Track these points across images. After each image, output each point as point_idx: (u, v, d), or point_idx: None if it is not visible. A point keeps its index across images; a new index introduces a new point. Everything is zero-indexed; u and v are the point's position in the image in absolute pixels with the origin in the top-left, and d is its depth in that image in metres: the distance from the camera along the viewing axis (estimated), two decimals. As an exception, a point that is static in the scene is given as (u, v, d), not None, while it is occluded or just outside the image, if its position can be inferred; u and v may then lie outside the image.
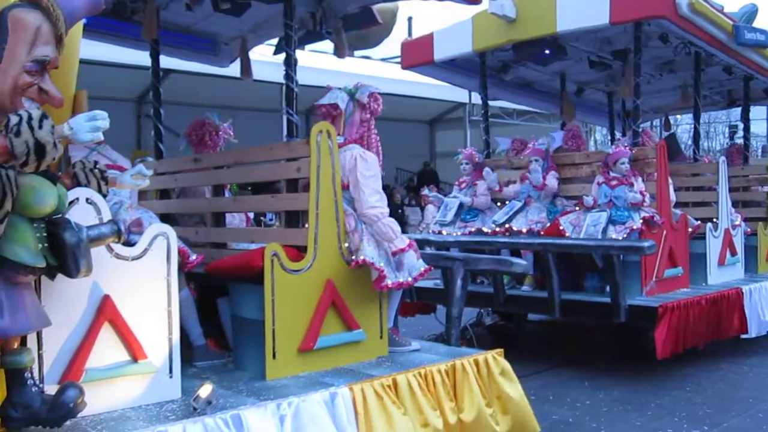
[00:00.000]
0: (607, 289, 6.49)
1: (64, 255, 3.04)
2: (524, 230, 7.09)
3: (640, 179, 6.71)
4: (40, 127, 2.73)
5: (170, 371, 3.71)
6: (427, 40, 7.94)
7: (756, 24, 8.13)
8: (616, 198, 6.69)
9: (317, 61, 11.32)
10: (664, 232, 6.74)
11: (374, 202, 4.39)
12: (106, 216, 3.45)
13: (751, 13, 8.14)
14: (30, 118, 2.73)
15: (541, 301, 6.74)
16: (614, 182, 6.72)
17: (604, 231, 6.56)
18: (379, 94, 4.68)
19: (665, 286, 6.79)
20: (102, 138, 2.99)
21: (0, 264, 2.87)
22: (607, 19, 6.54)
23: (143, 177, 3.75)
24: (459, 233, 7.49)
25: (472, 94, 15.16)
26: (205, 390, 3.48)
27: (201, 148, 5.45)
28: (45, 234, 3.04)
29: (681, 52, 7.55)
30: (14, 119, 2.72)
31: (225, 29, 6.33)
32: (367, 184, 4.39)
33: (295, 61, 4.62)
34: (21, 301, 3.00)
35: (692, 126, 8.76)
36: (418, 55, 8.02)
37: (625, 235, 6.45)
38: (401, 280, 4.43)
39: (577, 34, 7.15)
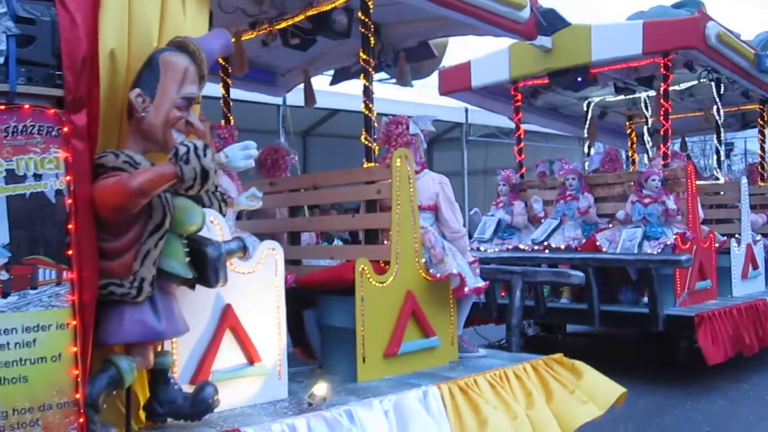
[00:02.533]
0: (643, 300, 6.95)
1: (205, 267, 3.46)
2: (562, 246, 7.54)
3: (671, 197, 7.17)
4: (205, 155, 3.17)
5: (279, 373, 4.13)
6: (465, 68, 8.42)
7: None
8: (650, 215, 7.14)
9: (315, 83, 11.73)
10: (694, 247, 7.19)
11: (461, 220, 5.07)
12: (226, 235, 3.88)
13: (768, 40, 8.67)
14: (196, 147, 3.16)
15: (580, 312, 7.17)
16: (647, 200, 7.18)
17: (640, 246, 7.01)
18: (384, 115, 5.22)
19: (696, 297, 7.24)
20: (253, 165, 3.43)
21: (157, 275, 3.30)
22: (641, 50, 7.04)
23: (257, 198, 4.18)
24: (497, 249, 7.93)
25: (469, 114, 15.57)
26: (321, 388, 3.90)
27: (274, 172, 5.85)
28: (187, 249, 3.47)
29: (704, 79, 8.03)
30: (182, 149, 3.15)
31: (285, 61, 6.78)
32: (455, 207, 5.02)
33: (372, 92, 5.06)
34: (172, 308, 3.43)
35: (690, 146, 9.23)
36: (456, 82, 8.49)
37: (659, 250, 6.90)
38: (479, 285, 4.90)
39: (609, 62, 7.64)
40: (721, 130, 9.05)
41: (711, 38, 6.89)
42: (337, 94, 7.23)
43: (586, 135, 9.76)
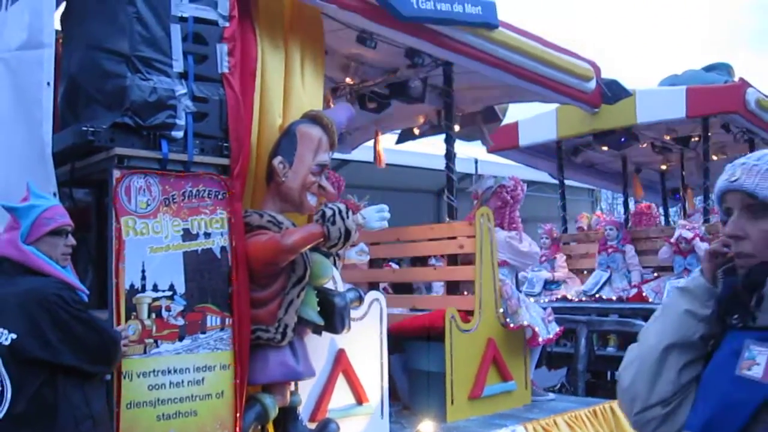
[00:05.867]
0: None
1: (332, 315, 3.86)
2: (613, 298, 7.93)
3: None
4: (348, 217, 3.61)
5: (382, 413, 4.51)
6: (513, 128, 8.89)
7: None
8: (690, 265, 7.57)
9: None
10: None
11: (532, 253, 5.66)
12: (340, 286, 4.29)
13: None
14: (340, 210, 3.61)
15: (628, 360, 7.51)
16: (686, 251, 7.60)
17: (684, 296, 7.38)
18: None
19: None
20: (387, 226, 3.86)
21: (297, 322, 3.72)
22: (684, 114, 7.51)
23: (365, 253, 4.62)
24: (546, 300, 8.32)
25: (479, 165, 15.89)
26: (427, 426, 4.30)
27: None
28: (317, 299, 3.88)
29: (740, 140, 8.49)
30: (329, 211, 3.59)
31: (353, 121, 7.22)
32: (523, 253, 5.44)
33: (454, 155, 5.53)
34: (306, 351, 3.85)
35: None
36: (504, 140, 8.88)
37: (702, 301, 7.27)
38: (550, 336, 5.31)
39: (653, 125, 8.14)
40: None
41: (750, 103, 7.37)
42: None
43: (631, 191, 10.23)
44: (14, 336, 2.72)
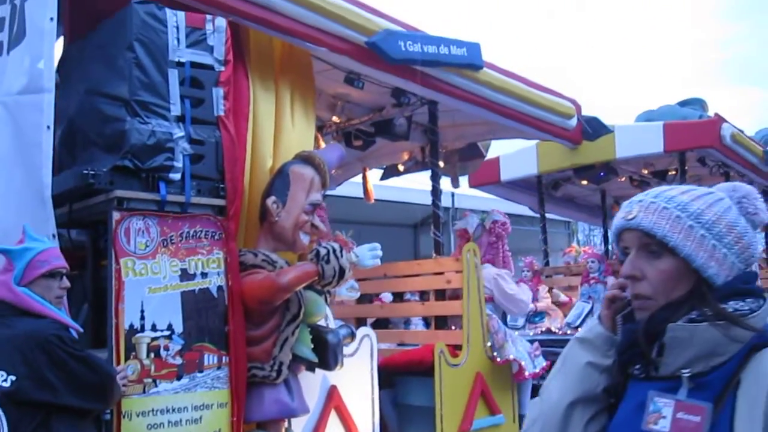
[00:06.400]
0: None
1: (326, 352, 3.92)
2: (595, 330, 8.00)
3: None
4: (342, 256, 3.68)
5: (373, 448, 4.56)
6: (494, 163, 9.04)
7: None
8: None
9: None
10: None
11: (522, 303, 5.65)
12: (332, 323, 4.34)
13: (769, 136, 9.40)
14: (334, 249, 3.68)
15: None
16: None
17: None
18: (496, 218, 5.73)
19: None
20: (380, 264, 3.93)
21: (291, 359, 3.76)
22: (662, 149, 7.70)
23: (355, 290, 4.68)
24: (531, 333, 8.39)
25: (455, 199, 16.03)
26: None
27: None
28: (311, 336, 3.94)
29: (716, 173, 8.69)
30: (323, 251, 3.66)
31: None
32: (511, 297, 5.50)
33: (441, 191, 5.63)
34: (300, 388, 3.89)
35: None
36: (485, 176, 9.06)
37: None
38: (536, 370, 5.38)
39: (631, 159, 8.31)
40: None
41: (726, 138, 7.56)
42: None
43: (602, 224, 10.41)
44: (13, 378, 2.75)
